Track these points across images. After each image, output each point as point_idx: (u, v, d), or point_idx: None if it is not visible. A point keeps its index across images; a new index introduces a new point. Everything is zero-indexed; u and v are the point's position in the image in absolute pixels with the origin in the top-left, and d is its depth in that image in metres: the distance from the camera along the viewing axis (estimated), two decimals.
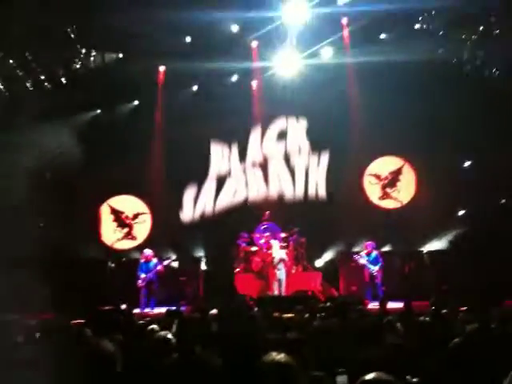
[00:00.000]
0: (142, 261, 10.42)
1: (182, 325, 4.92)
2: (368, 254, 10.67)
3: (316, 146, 12.90)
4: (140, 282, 10.17)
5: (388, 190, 12.74)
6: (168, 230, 12.27)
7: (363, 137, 11.86)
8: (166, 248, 11.86)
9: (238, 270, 11.28)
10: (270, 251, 10.76)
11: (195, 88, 12.75)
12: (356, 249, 11.62)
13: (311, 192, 12.89)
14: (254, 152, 13.01)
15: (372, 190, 12.74)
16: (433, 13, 10.52)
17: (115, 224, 12.62)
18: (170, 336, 3.82)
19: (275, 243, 10.85)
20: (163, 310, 7.30)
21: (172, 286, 11.02)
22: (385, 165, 12.79)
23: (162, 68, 12.56)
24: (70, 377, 2.16)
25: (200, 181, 12.87)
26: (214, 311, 5.89)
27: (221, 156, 13.02)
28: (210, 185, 12.93)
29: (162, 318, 5.64)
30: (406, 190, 12.62)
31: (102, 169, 11.49)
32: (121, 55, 11.77)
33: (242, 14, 10.63)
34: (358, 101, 11.99)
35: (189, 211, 12.84)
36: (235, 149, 13.00)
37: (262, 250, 11.06)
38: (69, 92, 10.65)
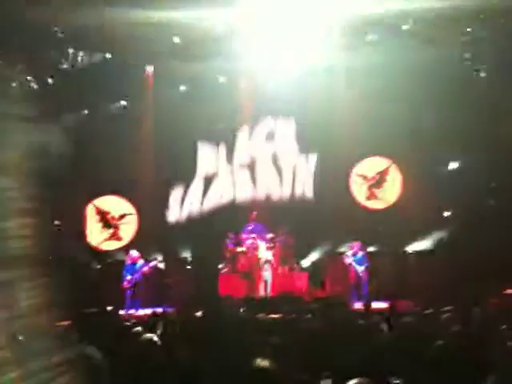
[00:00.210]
0: (128, 262, 10.38)
1: (168, 327, 4.93)
2: (354, 255, 10.75)
3: (304, 147, 12.95)
4: (126, 283, 10.13)
5: (375, 190, 12.83)
6: (154, 231, 12.22)
7: (350, 138, 11.93)
8: (152, 249, 11.81)
9: (224, 270, 11.29)
10: (256, 252, 10.79)
11: (183, 88, 12.72)
12: (342, 249, 11.68)
13: (298, 193, 12.94)
14: (241, 153, 13.02)
15: (359, 191, 12.82)
16: (420, 14, 10.61)
17: (101, 224, 12.52)
18: (155, 338, 3.82)
19: (262, 244, 10.88)
20: (148, 311, 7.30)
21: (158, 288, 10.99)
22: (371, 165, 12.87)
23: (149, 68, 12.51)
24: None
25: (187, 181, 12.84)
26: (200, 313, 5.89)
27: (208, 156, 13.01)
28: (197, 185, 12.90)
29: (148, 319, 5.63)
30: (392, 191, 12.72)
31: (88, 169, 11.41)
32: (108, 55, 11.69)
33: (230, 13, 10.63)
34: (346, 102, 12.06)
35: (175, 212, 12.80)
36: (223, 149, 13.00)
37: (248, 251, 11.07)
38: (56, 92, 10.57)
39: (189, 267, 12.16)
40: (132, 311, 9.83)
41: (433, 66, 11.20)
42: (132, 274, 10.17)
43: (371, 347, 3.52)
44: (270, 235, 11.37)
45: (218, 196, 12.89)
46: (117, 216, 12.59)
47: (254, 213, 11.74)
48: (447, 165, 12.27)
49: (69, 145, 10.12)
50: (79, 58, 11.02)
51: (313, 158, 12.94)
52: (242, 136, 13.01)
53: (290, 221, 11.61)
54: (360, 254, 10.77)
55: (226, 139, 12.91)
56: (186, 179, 12.82)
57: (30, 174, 1.73)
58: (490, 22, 10.45)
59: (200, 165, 12.94)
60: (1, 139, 1.80)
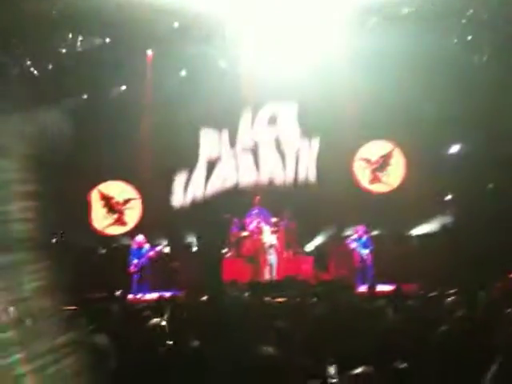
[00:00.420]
0: (135, 247, 10.45)
1: (175, 311, 4.96)
2: (359, 238, 10.77)
3: (307, 131, 12.88)
4: (132, 267, 10.21)
5: (378, 174, 12.79)
6: (159, 216, 12.25)
7: (353, 121, 11.86)
8: (156, 233, 11.86)
9: (229, 255, 11.33)
10: (260, 236, 10.81)
11: (184, 73, 12.62)
12: (347, 233, 11.69)
13: (302, 177, 12.91)
14: (244, 137, 12.97)
15: (362, 174, 12.79)
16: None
17: (105, 210, 12.57)
18: (163, 323, 3.85)
19: (266, 228, 10.89)
20: (156, 295, 7.35)
21: (164, 272, 11.06)
22: (375, 149, 12.81)
23: (149, 52, 12.39)
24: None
25: (190, 166, 12.82)
26: (205, 297, 5.92)
27: (211, 141, 12.96)
28: (200, 170, 12.89)
29: (155, 304, 5.67)
30: (396, 174, 12.68)
31: (90, 154, 11.39)
32: (108, 40, 11.58)
33: None
34: (348, 86, 11.94)
35: (179, 197, 12.82)
36: (225, 134, 12.95)
37: (252, 235, 11.09)
38: (56, 77, 10.51)
39: (193, 252, 12.22)
40: (139, 295, 9.90)
41: (434, 51, 11.08)
42: (139, 258, 10.24)
43: (376, 331, 3.54)
44: (273, 219, 11.38)
45: (222, 180, 12.88)
46: (121, 201, 12.62)
47: (258, 197, 11.74)
48: (450, 148, 12.21)
49: (69, 129, 10.10)
50: (78, 43, 10.92)
51: (316, 142, 12.89)
52: (245, 120, 12.95)
53: (293, 205, 11.60)
54: (364, 237, 10.77)
55: (229, 124, 12.85)
56: (190, 164, 12.81)
57: (32, 157, 1.72)
58: (489, 3, 10.30)
59: (203, 149, 12.90)
60: (0, 122, 1.79)
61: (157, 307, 5.24)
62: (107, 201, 12.58)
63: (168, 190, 12.69)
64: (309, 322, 4.11)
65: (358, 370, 1.95)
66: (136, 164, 12.13)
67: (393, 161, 12.73)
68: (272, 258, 10.55)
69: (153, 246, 10.58)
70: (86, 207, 12.28)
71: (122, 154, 11.55)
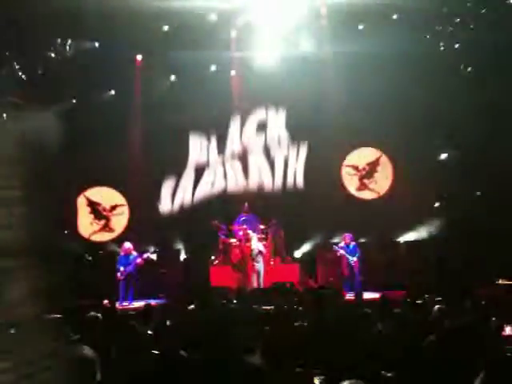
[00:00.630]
0: (122, 254, 10.35)
1: (162, 319, 4.92)
2: (346, 245, 10.80)
3: (295, 138, 12.92)
4: (119, 275, 10.10)
5: (365, 181, 12.86)
6: (146, 222, 12.17)
7: (341, 128, 11.92)
8: (144, 240, 11.77)
9: (216, 262, 11.28)
10: (248, 243, 10.78)
11: (173, 78, 12.61)
12: (334, 240, 11.72)
13: (290, 183, 12.94)
14: (233, 143, 12.97)
15: (350, 181, 12.86)
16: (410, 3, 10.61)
17: (92, 216, 12.44)
18: (149, 332, 3.82)
19: (254, 235, 10.87)
20: (142, 303, 7.28)
21: (152, 279, 10.96)
22: (362, 156, 12.90)
23: (139, 57, 12.36)
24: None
25: (178, 172, 12.78)
26: (192, 306, 5.88)
27: (199, 147, 12.94)
28: (188, 176, 12.84)
29: (141, 312, 5.61)
30: (383, 181, 12.77)
31: (78, 160, 11.28)
32: (97, 44, 11.53)
33: (221, 2, 10.55)
34: (337, 92, 12.03)
35: (167, 203, 12.75)
36: (214, 140, 12.94)
37: (240, 242, 11.06)
38: (44, 81, 10.42)
39: (181, 259, 12.14)
40: (125, 303, 9.79)
41: (422, 58, 11.22)
42: (125, 266, 10.13)
43: (363, 338, 3.54)
44: (261, 226, 11.37)
45: (210, 187, 12.85)
46: (108, 207, 12.51)
47: (246, 204, 11.72)
48: (437, 156, 12.33)
49: (57, 134, 9.99)
50: (68, 47, 10.85)
51: (304, 149, 12.93)
52: (234, 126, 12.96)
53: (281, 212, 11.61)
54: (352, 244, 10.81)
55: (218, 129, 12.84)
56: (177, 169, 12.75)
57: (19, 162, 1.70)
58: (476, 10, 10.53)
59: (191, 155, 12.87)
60: None
61: (144, 315, 5.18)
62: (94, 207, 12.46)
63: (156, 196, 12.61)
64: (296, 329, 4.10)
65: (348, 382, 1.92)
66: (124, 169, 12.04)
67: (380, 168, 12.82)
68: (259, 265, 10.52)
69: (140, 253, 10.49)
70: (73, 213, 12.15)
71: (109, 160, 11.45)
